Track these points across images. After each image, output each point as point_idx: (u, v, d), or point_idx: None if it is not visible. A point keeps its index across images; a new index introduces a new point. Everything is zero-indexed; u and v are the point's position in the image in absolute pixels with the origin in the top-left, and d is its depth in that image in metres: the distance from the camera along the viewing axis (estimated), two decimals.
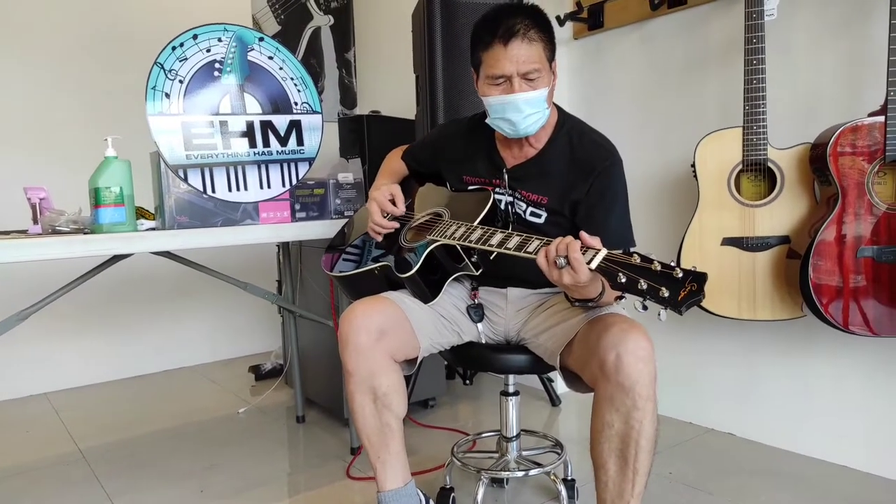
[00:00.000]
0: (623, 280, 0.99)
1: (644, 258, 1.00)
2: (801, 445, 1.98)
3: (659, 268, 0.97)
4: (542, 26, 1.36)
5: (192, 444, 2.26)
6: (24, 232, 1.71)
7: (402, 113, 2.79)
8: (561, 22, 2.34)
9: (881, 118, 1.55)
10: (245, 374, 3.05)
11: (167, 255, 1.85)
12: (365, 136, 2.67)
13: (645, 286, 0.96)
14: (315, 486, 1.91)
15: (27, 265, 2.59)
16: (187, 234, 1.72)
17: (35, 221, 1.73)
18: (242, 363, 3.21)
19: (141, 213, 1.81)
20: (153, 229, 1.74)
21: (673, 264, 0.97)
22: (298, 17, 3.57)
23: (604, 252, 1.06)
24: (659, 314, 0.97)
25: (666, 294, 0.94)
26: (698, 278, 0.94)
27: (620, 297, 1.02)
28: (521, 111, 1.35)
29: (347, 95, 3.80)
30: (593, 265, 1.05)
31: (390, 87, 3.56)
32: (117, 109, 2.87)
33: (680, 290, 0.93)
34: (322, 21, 3.66)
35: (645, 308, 0.98)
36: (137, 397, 2.86)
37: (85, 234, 1.64)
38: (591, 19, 2.37)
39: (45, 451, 2.24)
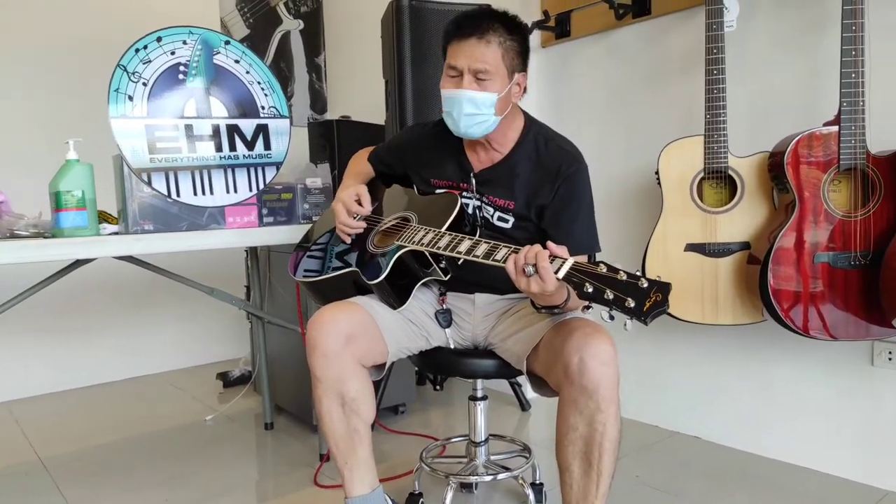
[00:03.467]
0: (590, 290, 1.00)
1: (610, 267, 1.01)
2: (765, 448, 2.02)
3: (625, 277, 0.99)
4: (509, 34, 1.37)
5: (157, 453, 2.22)
6: None
7: (372, 118, 2.79)
8: (528, 30, 2.37)
9: (835, 128, 1.60)
10: (213, 381, 3.00)
11: (131, 259, 1.83)
12: (335, 141, 2.66)
13: (611, 296, 0.98)
14: (283, 493, 1.89)
15: None
16: (151, 238, 1.70)
17: None
18: (210, 370, 3.16)
19: (103, 217, 1.78)
20: (116, 233, 1.72)
21: (638, 274, 0.99)
22: (267, 20, 3.55)
23: (571, 261, 1.07)
24: (625, 324, 0.98)
25: (632, 304, 0.96)
26: (662, 288, 0.96)
27: (587, 307, 1.03)
28: (463, 108, 1.37)
29: (318, 100, 3.79)
30: (560, 274, 1.06)
31: (360, 92, 3.56)
32: (79, 112, 2.81)
33: (645, 300, 0.95)
34: (292, 25, 3.64)
35: (612, 318, 1.00)
36: (101, 405, 2.79)
37: (45, 238, 1.61)
38: (559, 28, 2.41)
39: (4, 461, 2.18)
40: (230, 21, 3.43)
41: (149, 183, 1.68)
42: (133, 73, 1.65)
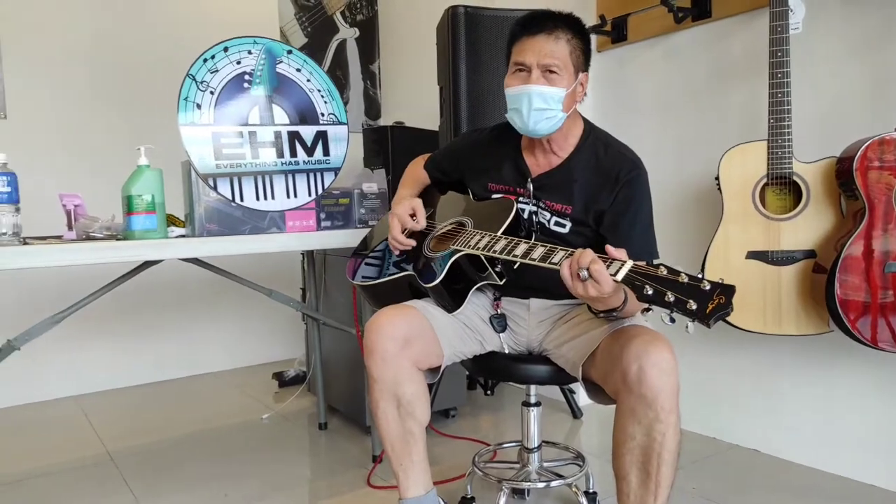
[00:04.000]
0: (650, 292, 0.99)
1: (671, 270, 1.00)
2: (827, 463, 1.95)
3: (686, 280, 0.97)
4: (574, 33, 1.39)
5: (216, 449, 2.29)
6: (59, 238, 1.76)
7: (426, 124, 2.82)
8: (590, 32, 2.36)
9: None
10: (268, 381, 3.08)
11: (196, 261, 1.90)
12: (389, 147, 2.71)
13: (672, 298, 0.97)
14: (336, 493, 1.92)
15: (61, 270, 2.66)
16: (216, 241, 1.76)
17: (70, 227, 1.78)
18: (266, 370, 3.25)
19: (171, 221, 1.85)
20: (183, 236, 1.78)
21: (700, 276, 0.97)
22: (325, 29, 3.64)
23: (630, 264, 1.06)
24: (687, 327, 0.97)
25: (693, 306, 0.94)
26: (726, 291, 0.94)
27: (647, 310, 1.03)
28: (532, 103, 1.37)
29: (371, 106, 3.85)
30: (619, 277, 1.06)
31: (414, 99, 3.60)
32: (150, 119, 2.95)
33: (708, 302, 0.94)
34: (348, 33, 3.71)
35: (672, 321, 0.99)
36: (163, 401, 2.91)
37: (117, 240, 1.69)
38: (615, 32, 2.39)
39: (74, 453, 2.28)
40: (289, 30, 3.52)
41: (214, 188, 1.75)
42: (201, 83, 1.72)
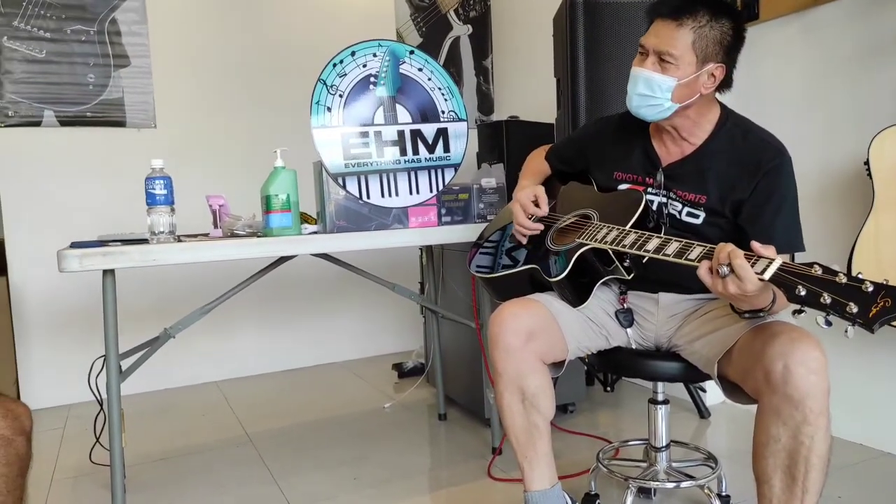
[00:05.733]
0: (803, 293, 0.93)
1: (826, 269, 0.93)
2: None
3: (845, 280, 0.90)
4: (712, 19, 1.30)
5: (344, 434, 2.41)
6: (206, 235, 1.92)
7: (540, 117, 2.80)
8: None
9: None
10: (389, 371, 3.19)
11: (326, 257, 2.00)
12: (504, 141, 2.71)
13: (829, 300, 0.90)
14: (458, 482, 1.96)
15: (207, 264, 2.90)
16: (345, 237, 1.85)
17: (216, 226, 1.94)
18: (386, 360, 3.37)
19: (304, 218, 1.97)
20: (315, 233, 1.89)
21: (862, 277, 0.90)
22: (438, 28, 3.70)
23: (779, 261, 1.00)
24: (846, 331, 0.90)
25: (854, 310, 0.87)
26: (893, 293, 0.87)
27: (800, 311, 0.96)
28: (636, 86, 1.35)
29: (485, 102, 3.87)
30: (767, 275, 1.00)
31: (526, 93, 3.58)
32: (284, 121, 3.14)
33: (871, 305, 0.86)
34: (461, 31, 3.76)
35: (829, 324, 0.92)
36: (294, 388, 3.09)
37: (258, 237, 1.81)
38: (746, 11, 2.25)
39: (218, 434, 2.49)
40: (404, 31, 3.62)
41: (343, 186, 1.83)
42: (331, 87, 1.81)
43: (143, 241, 1.72)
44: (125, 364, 1.77)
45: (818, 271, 0.93)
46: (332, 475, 2.05)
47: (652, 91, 1.34)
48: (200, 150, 3.15)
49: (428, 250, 2.52)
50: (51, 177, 2.90)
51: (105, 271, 1.66)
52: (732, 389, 1.32)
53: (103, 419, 1.82)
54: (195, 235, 1.91)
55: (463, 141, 1.99)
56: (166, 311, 2.74)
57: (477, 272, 1.67)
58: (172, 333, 1.84)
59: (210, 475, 2.10)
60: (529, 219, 1.56)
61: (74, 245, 1.71)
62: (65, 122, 2.91)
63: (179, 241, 1.74)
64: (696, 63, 1.32)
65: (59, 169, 2.91)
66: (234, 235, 1.84)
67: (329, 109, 1.81)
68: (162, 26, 3.05)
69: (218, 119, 3.19)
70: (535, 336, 1.39)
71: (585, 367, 2.49)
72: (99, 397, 1.90)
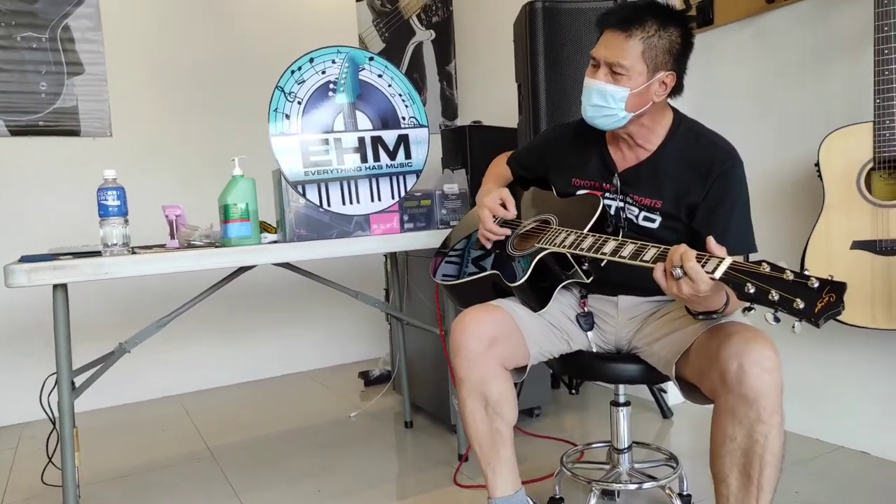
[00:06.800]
0: (752, 290, 0.94)
1: (774, 267, 0.95)
2: None
3: (791, 277, 0.92)
4: (660, 28, 1.32)
5: (308, 446, 2.38)
6: (162, 246, 1.88)
7: (503, 122, 2.81)
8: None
9: None
10: (355, 380, 3.16)
11: (287, 266, 1.97)
12: (467, 147, 2.72)
13: (777, 297, 0.92)
14: (423, 490, 1.95)
15: (164, 276, 2.82)
16: (306, 246, 1.82)
17: (172, 237, 1.90)
18: (352, 369, 3.34)
19: (264, 227, 1.94)
20: (275, 242, 1.86)
21: (808, 273, 0.92)
22: (402, 33, 3.70)
23: (729, 260, 1.02)
24: (793, 327, 0.92)
25: (801, 305, 0.89)
26: (837, 288, 0.89)
27: (749, 309, 0.98)
28: (591, 98, 1.37)
29: (448, 107, 3.88)
30: (717, 274, 1.01)
31: (490, 98, 3.60)
32: (241, 129, 3.08)
33: (816, 301, 0.88)
34: (424, 36, 3.76)
35: (777, 320, 0.94)
36: (258, 400, 3.04)
37: (216, 247, 1.78)
38: (700, 16, 2.30)
39: (177, 449, 2.43)
40: (367, 36, 3.61)
41: (303, 194, 1.81)
42: (289, 94, 1.79)
43: (96, 253, 1.68)
44: (79, 380, 1.71)
45: (766, 269, 0.95)
46: (295, 488, 2.02)
47: (606, 102, 1.35)
48: (158, 159, 3.09)
49: (392, 257, 2.51)
50: (2, 188, 2.81)
51: (56, 286, 1.61)
52: (690, 390, 1.34)
53: (56, 438, 1.76)
54: (150, 247, 1.87)
55: (424, 147, 1.99)
56: (124, 325, 2.66)
57: (443, 281, 1.67)
58: (128, 348, 1.79)
59: (170, 492, 2.05)
60: (495, 222, 1.57)
61: (24, 259, 1.65)
62: (16, 131, 2.82)
63: (134, 252, 1.69)
64: (647, 73, 1.34)
65: (10, 180, 2.82)
66: (191, 246, 1.80)
67: (287, 117, 1.79)
68: (117, 33, 2.98)
69: (175, 127, 3.13)
70: (498, 342, 1.39)
71: (551, 371, 2.50)
72: (51, 415, 1.84)
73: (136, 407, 3.01)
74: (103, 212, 1.65)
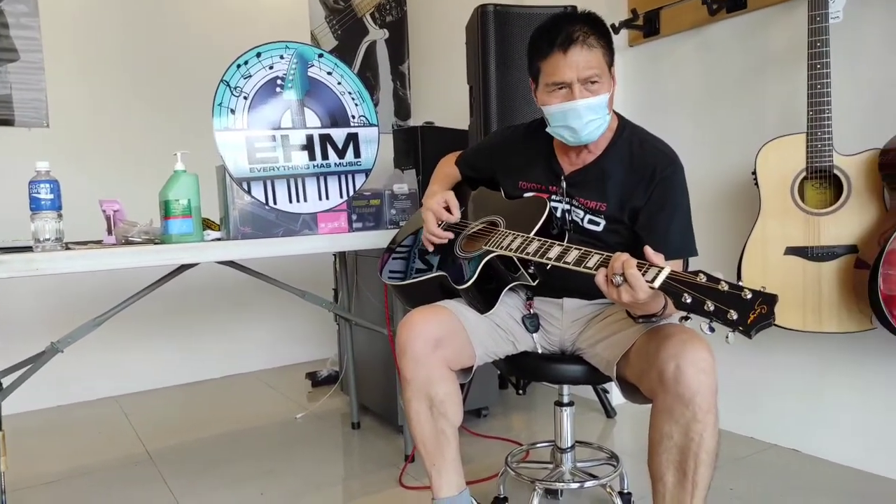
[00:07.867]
0: (688, 300, 0.97)
1: (710, 277, 0.97)
2: (868, 463, 1.89)
3: (726, 288, 0.95)
4: (600, 33, 1.36)
5: (252, 448, 2.33)
6: (99, 242, 1.81)
7: (455, 124, 2.82)
8: (616, 30, 2.33)
9: None
10: (302, 381, 3.12)
11: (231, 264, 1.93)
12: (419, 147, 2.71)
13: (712, 308, 0.94)
14: (369, 492, 1.94)
15: (101, 274, 2.73)
16: (250, 244, 1.79)
17: (109, 232, 1.83)
18: (299, 370, 3.29)
19: (207, 224, 1.89)
20: (219, 239, 1.82)
21: (741, 285, 0.95)
22: (355, 31, 3.67)
23: (667, 270, 1.04)
24: (727, 337, 0.95)
25: (734, 316, 0.92)
26: (768, 300, 0.91)
27: (686, 318, 1.00)
28: (582, 117, 1.35)
29: (401, 107, 3.87)
30: (657, 283, 1.04)
31: (443, 99, 3.60)
32: (185, 124, 3.01)
33: (749, 312, 0.91)
34: (378, 35, 3.74)
35: (712, 330, 0.96)
36: (200, 401, 2.96)
37: (155, 244, 1.72)
38: (647, 26, 2.35)
39: (114, 453, 2.34)
40: (319, 33, 3.56)
41: (248, 191, 1.78)
42: (235, 88, 1.75)
43: (27, 248, 1.60)
44: (7, 380, 1.64)
45: (703, 279, 0.98)
46: (237, 491, 1.97)
47: (597, 114, 1.36)
48: (97, 152, 2.97)
49: (341, 257, 2.48)
50: None
51: None
52: (630, 390, 1.37)
53: None
54: (86, 243, 1.80)
55: (374, 146, 1.97)
56: (57, 324, 2.55)
57: (390, 278, 1.66)
58: (60, 347, 1.72)
59: (104, 497, 1.98)
60: (439, 225, 1.57)
61: None
62: None
63: (68, 248, 1.63)
64: (608, 73, 1.38)
65: None
66: (129, 243, 1.74)
67: (233, 111, 1.75)
68: (56, 20, 2.86)
69: (116, 119, 3.03)
70: (443, 343, 1.39)
71: (498, 372, 2.52)
72: None
73: (69, 409, 2.89)
74: (35, 205, 1.58)
